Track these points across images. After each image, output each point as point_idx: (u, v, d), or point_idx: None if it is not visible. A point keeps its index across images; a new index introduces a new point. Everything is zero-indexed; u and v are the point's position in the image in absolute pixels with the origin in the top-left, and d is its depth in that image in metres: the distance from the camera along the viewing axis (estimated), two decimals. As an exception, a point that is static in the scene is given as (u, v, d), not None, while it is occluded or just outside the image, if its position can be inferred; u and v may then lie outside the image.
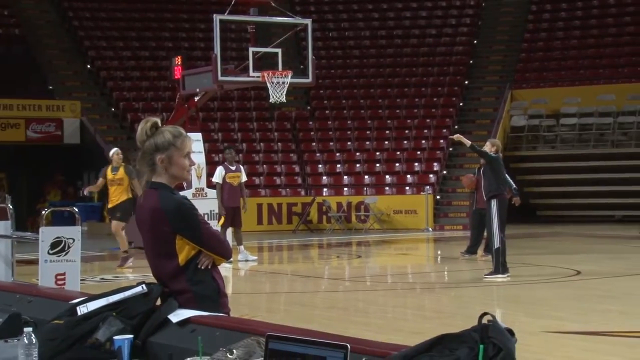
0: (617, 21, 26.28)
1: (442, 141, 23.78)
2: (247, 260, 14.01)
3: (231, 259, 13.06)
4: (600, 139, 23.76)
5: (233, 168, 14.28)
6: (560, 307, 9.14)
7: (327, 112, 25.09)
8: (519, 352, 2.19)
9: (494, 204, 11.09)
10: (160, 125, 3.59)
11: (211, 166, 17.03)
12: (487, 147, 11.45)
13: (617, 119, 23.47)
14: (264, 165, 23.36)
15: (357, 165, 23.44)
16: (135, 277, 11.29)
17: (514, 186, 13.85)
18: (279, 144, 24.12)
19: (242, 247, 14.12)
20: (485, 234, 13.99)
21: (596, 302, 9.42)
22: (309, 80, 15.87)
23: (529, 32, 27.11)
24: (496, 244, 11.07)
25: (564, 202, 23.53)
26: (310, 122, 24.85)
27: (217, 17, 14.87)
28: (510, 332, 2.23)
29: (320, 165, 23.62)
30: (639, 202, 19.00)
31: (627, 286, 10.80)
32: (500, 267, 11.08)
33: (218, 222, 14.05)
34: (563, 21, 27.20)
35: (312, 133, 24.47)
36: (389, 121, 24.54)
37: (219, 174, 14.10)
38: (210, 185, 15.42)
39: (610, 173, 22.41)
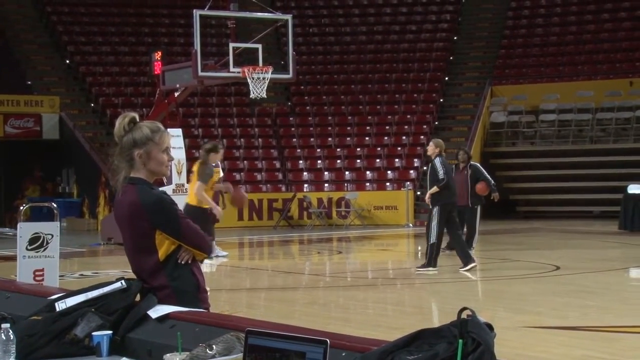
0: (595, 18, 26.45)
1: (422, 137, 23.84)
2: (217, 256, 13.98)
3: (212, 254, 13.05)
4: (579, 135, 23.92)
5: (214, 164, 14.24)
6: (539, 302, 9.19)
7: (307, 108, 25.09)
8: (497, 347, 2.20)
9: (436, 210, 11.57)
10: (138, 120, 3.58)
11: (191, 162, 16.98)
12: (431, 149, 11.65)
13: (595, 115, 23.64)
14: (245, 161, 23.33)
15: (338, 161, 23.45)
16: (115, 272, 11.24)
17: (492, 182, 14.11)
18: (260, 139, 24.09)
19: (213, 243, 14.05)
20: (464, 229, 14.14)
21: (575, 297, 9.48)
22: (290, 76, 15.86)
23: (509, 29, 27.23)
24: (433, 239, 11.61)
25: (543, 197, 23.66)
26: (291, 118, 24.84)
27: (197, 13, 14.83)
28: (490, 327, 2.24)
29: (300, 161, 23.61)
30: (617, 198, 19.13)
31: (606, 281, 10.88)
32: (433, 261, 11.66)
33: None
34: (542, 17, 27.34)
35: (293, 129, 24.45)
36: (369, 117, 24.58)
37: None
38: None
39: (588, 169, 22.57)
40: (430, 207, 11.67)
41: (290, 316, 8.40)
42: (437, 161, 11.63)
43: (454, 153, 15.92)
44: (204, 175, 10.35)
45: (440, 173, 11.50)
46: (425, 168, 23.38)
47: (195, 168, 10.76)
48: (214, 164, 14.23)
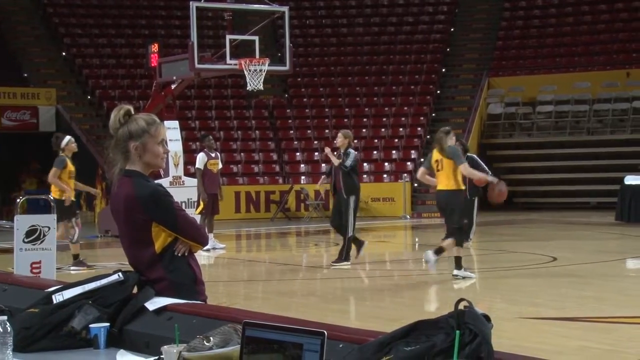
0: (592, 9, 26.43)
1: (419, 129, 23.84)
2: (214, 249, 13.97)
3: (208, 247, 13.04)
4: (576, 126, 23.93)
5: (213, 155, 14.25)
6: (536, 293, 9.21)
7: (304, 99, 25.07)
8: (495, 338, 2.20)
9: (352, 199, 11.47)
10: (133, 112, 3.57)
11: (188, 154, 16.99)
12: (341, 141, 11.53)
13: (592, 106, 23.64)
14: (242, 154, 23.32)
15: (335, 153, 23.40)
16: (112, 265, 11.24)
17: (490, 173, 14.10)
18: (257, 131, 24.08)
19: (211, 235, 14.04)
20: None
21: (572, 288, 9.50)
22: (287, 68, 15.84)
23: (506, 20, 27.20)
24: (350, 232, 11.55)
25: (540, 189, 23.68)
26: (288, 110, 24.82)
27: (193, 4, 14.80)
28: (487, 318, 2.24)
29: (298, 153, 23.60)
30: (613, 189, 19.15)
31: (602, 272, 10.90)
32: (348, 254, 11.65)
33: (196, 210, 14.00)
34: (539, 9, 27.32)
35: (290, 121, 24.44)
36: (366, 109, 24.56)
37: (201, 160, 14.04)
38: (188, 173, 15.37)
39: (585, 160, 22.59)
40: (345, 197, 11.44)
41: (287, 308, 8.40)
42: (352, 152, 11.48)
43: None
44: (458, 154, 10.02)
45: (349, 162, 11.34)
46: (422, 160, 23.47)
47: (437, 157, 9.99)
48: (213, 155, 14.26)
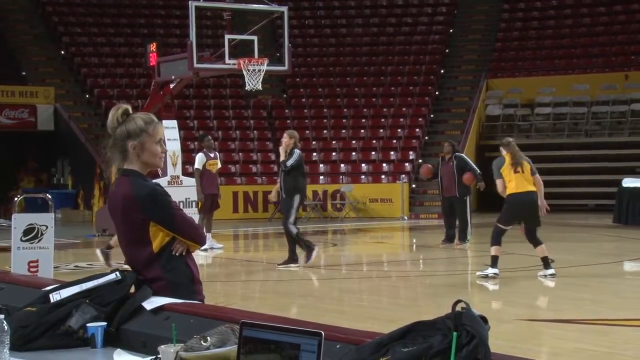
0: (591, 11, 26.46)
1: (417, 130, 23.84)
2: (212, 248, 13.97)
3: (206, 246, 13.03)
4: (575, 128, 23.94)
5: (212, 155, 14.25)
6: (533, 295, 9.22)
7: (303, 100, 25.07)
8: (492, 340, 2.20)
9: (296, 199, 11.50)
10: (131, 111, 3.57)
11: (186, 154, 16.97)
12: (287, 141, 11.44)
13: (591, 108, 23.65)
14: (240, 153, 23.31)
15: (333, 153, 23.44)
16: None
17: (478, 171, 14.17)
18: (255, 131, 24.07)
19: (209, 235, 14.04)
20: (456, 221, 14.17)
21: (569, 290, 9.51)
22: (285, 68, 15.86)
23: (505, 22, 27.22)
24: (294, 230, 11.55)
25: (538, 191, 23.67)
26: (286, 110, 24.82)
27: (192, 4, 14.81)
28: (484, 320, 2.24)
29: (296, 153, 23.56)
30: (611, 191, 19.16)
31: (600, 274, 10.91)
32: (309, 245, 11.63)
33: (198, 209, 14.01)
34: (538, 11, 27.33)
35: (288, 121, 24.42)
36: (365, 110, 24.56)
37: (200, 160, 14.03)
38: (186, 173, 15.34)
39: (583, 162, 22.60)
40: (291, 197, 11.43)
41: (284, 308, 8.41)
42: (296, 152, 11.41)
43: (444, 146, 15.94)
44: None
45: (290, 162, 11.30)
46: (420, 161, 23.48)
47: (515, 161, 10.31)
48: (212, 155, 14.25)
